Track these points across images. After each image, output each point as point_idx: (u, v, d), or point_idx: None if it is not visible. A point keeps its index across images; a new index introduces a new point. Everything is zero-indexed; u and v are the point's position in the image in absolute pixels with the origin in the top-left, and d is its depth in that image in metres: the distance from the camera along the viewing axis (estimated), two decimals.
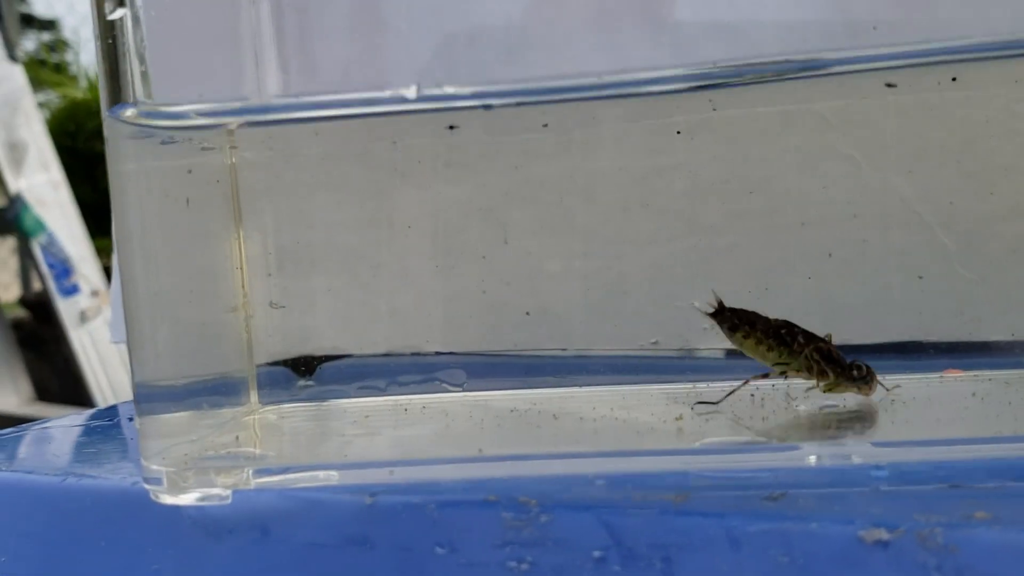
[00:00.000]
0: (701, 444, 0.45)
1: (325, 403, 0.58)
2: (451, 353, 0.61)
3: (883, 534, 0.35)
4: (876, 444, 0.44)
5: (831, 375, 0.52)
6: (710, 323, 0.60)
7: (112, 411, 0.64)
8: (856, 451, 0.43)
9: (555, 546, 0.38)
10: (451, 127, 0.58)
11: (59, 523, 0.45)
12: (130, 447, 0.55)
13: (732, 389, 0.53)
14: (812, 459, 0.43)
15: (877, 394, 0.53)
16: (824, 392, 0.52)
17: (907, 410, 0.52)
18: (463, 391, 0.59)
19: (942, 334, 0.59)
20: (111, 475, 0.47)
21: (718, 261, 0.59)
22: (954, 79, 0.56)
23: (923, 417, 0.52)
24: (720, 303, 0.55)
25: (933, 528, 0.34)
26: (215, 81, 0.56)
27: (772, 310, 0.59)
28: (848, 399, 0.53)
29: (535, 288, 0.60)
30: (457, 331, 0.61)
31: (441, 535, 0.40)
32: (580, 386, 0.59)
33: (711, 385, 0.58)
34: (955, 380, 0.56)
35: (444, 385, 0.59)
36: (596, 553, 0.38)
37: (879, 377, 0.53)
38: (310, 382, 0.59)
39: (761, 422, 0.49)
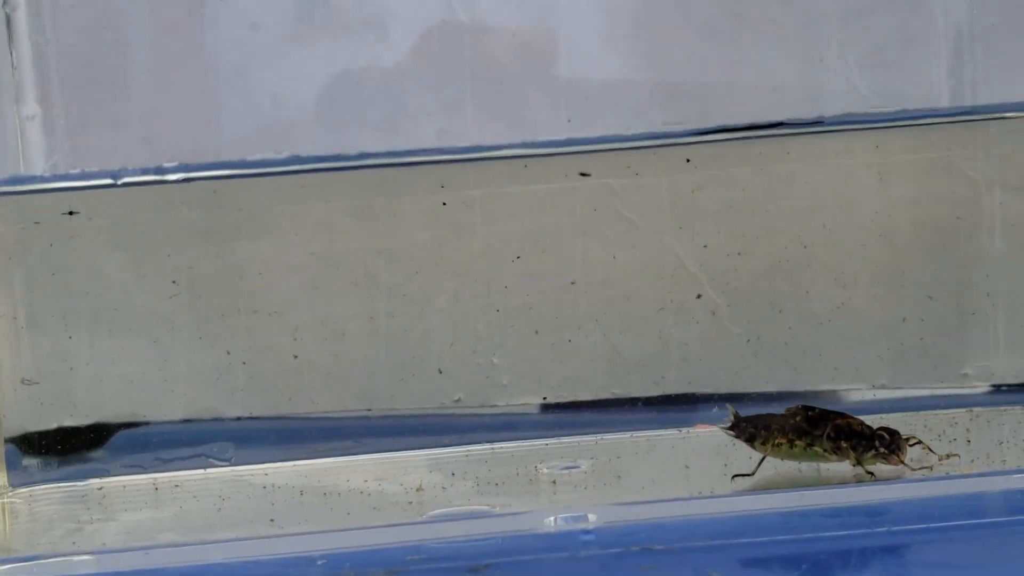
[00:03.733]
0: (427, 517, 0.46)
1: (82, 483, 0.57)
2: (252, 418, 0.61)
3: None
4: (602, 507, 0.45)
5: (852, 452, 0.48)
6: (508, 379, 0.62)
7: None
8: (582, 514, 0.45)
9: None
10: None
11: None
12: None
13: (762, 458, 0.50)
14: (543, 524, 0.45)
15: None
16: (854, 467, 0.49)
17: (629, 473, 0.55)
18: (230, 465, 0.59)
19: (715, 386, 0.62)
20: None
21: (515, 319, 0.61)
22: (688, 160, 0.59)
23: (660, 474, 0.54)
24: (736, 416, 0.52)
25: None
26: None
27: (566, 364, 0.61)
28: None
29: (339, 348, 0.60)
30: (260, 393, 0.61)
31: None
32: (379, 451, 0.60)
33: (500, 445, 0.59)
34: (702, 434, 0.59)
35: (211, 460, 0.59)
36: None
37: (924, 442, 0.50)
38: (85, 457, 0.58)
39: (496, 487, 0.51)
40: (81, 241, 0.59)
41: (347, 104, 0.59)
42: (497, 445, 0.60)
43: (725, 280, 0.61)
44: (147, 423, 0.60)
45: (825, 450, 0.49)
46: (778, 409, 0.58)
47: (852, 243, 0.61)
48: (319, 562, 0.41)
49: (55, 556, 0.44)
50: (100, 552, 0.44)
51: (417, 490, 0.51)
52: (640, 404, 0.62)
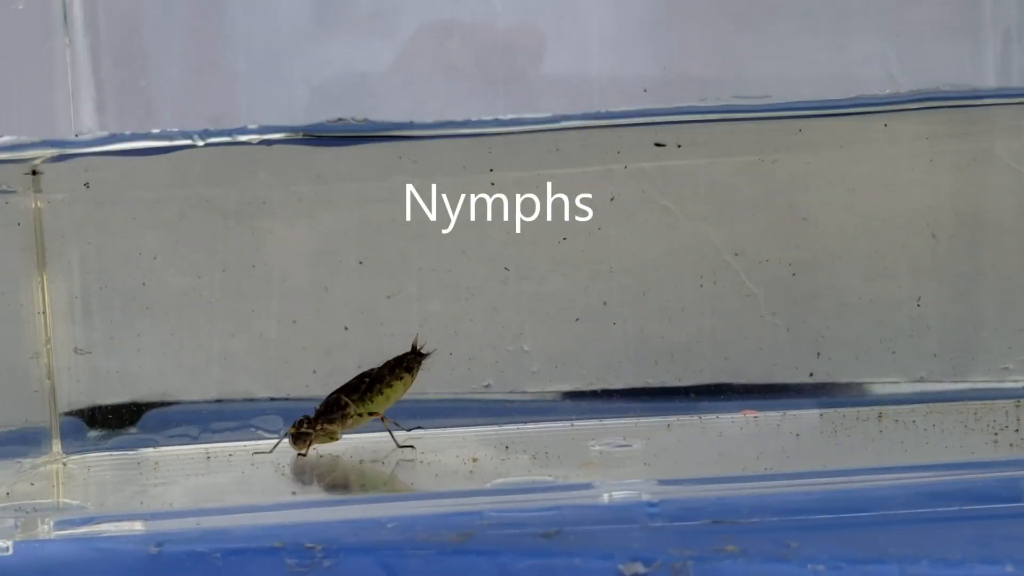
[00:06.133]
0: (492, 485, 0.46)
1: (133, 452, 0.57)
2: (285, 399, 0.61)
3: (640, 568, 0.37)
4: (662, 482, 0.46)
5: None
6: (538, 366, 0.62)
7: None
8: (643, 489, 0.45)
9: None
10: None
11: None
12: None
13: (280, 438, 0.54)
14: (604, 497, 0.45)
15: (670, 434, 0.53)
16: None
17: (699, 448, 0.55)
18: (279, 438, 0.59)
19: (749, 376, 0.62)
20: None
21: (544, 306, 0.61)
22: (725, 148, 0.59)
23: (712, 455, 0.54)
24: None
25: (685, 561, 0.36)
26: (25, 120, 0.55)
27: (598, 352, 0.61)
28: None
29: (371, 332, 0.60)
30: (292, 376, 0.61)
31: None
32: (410, 429, 0.60)
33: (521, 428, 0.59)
34: (751, 419, 0.59)
35: (260, 432, 0.59)
36: None
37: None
38: (132, 429, 0.59)
39: (556, 461, 0.51)
40: (116, 220, 0.59)
41: (378, 86, 0.59)
42: (544, 424, 0.60)
43: (762, 269, 0.61)
44: (181, 402, 0.60)
45: None
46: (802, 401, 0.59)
47: (892, 234, 0.62)
48: (389, 525, 0.41)
49: (114, 519, 0.44)
50: (167, 514, 0.44)
51: (473, 460, 0.51)
52: (672, 393, 0.62)
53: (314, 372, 0.60)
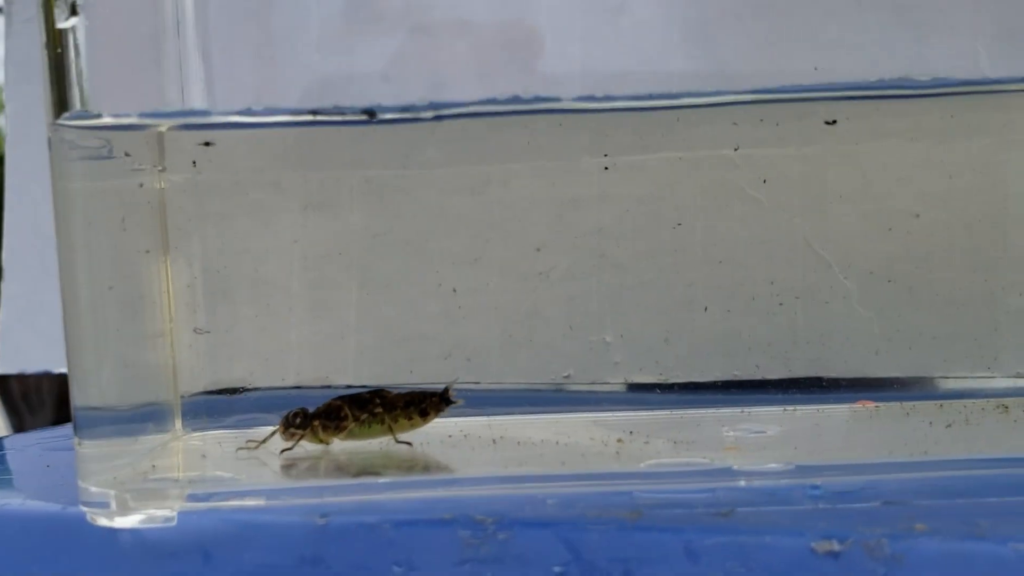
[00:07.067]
0: (646, 466, 0.46)
1: (251, 430, 0.57)
2: (363, 386, 0.61)
3: (834, 545, 0.37)
4: (800, 467, 0.46)
5: None
6: (621, 357, 0.61)
7: None
8: (784, 474, 0.45)
9: (515, 562, 0.39)
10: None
11: None
12: (40, 474, 0.53)
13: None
14: (742, 482, 0.45)
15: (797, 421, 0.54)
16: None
17: (822, 438, 0.55)
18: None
19: (842, 370, 0.62)
20: (36, 500, 0.45)
21: (630, 297, 0.60)
22: (833, 122, 0.58)
23: (847, 441, 0.55)
24: None
25: (880, 539, 0.36)
26: (140, 99, 0.55)
27: (683, 344, 0.61)
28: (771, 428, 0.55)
29: (448, 321, 0.60)
30: (370, 364, 0.60)
31: (398, 554, 0.40)
32: (496, 415, 0.59)
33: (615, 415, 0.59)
34: (872, 410, 0.59)
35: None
36: (557, 568, 0.39)
37: None
38: (254, 408, 0.58)
39: (693, 446, 0.51)
40: (221, 203, 0.59)
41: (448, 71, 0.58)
42: (663, 411, 0.59)
43: (856, 263, 0.61)
44: (263, 388, 0.60)
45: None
46: (907, 395, 0.59)
47: (990, 228, 0.61)
48: (549, 502, 0.41)
49: (276, 492, 0.44)
50: (327, 488, 0.44)
51: (618, 441, 0.51)
52: (763, 387, 0.61)
53: (391, 361, 0.60)
